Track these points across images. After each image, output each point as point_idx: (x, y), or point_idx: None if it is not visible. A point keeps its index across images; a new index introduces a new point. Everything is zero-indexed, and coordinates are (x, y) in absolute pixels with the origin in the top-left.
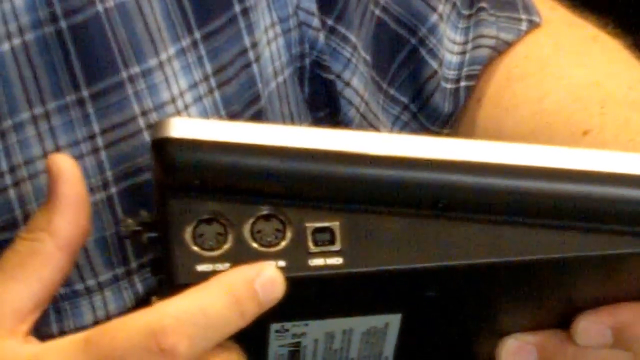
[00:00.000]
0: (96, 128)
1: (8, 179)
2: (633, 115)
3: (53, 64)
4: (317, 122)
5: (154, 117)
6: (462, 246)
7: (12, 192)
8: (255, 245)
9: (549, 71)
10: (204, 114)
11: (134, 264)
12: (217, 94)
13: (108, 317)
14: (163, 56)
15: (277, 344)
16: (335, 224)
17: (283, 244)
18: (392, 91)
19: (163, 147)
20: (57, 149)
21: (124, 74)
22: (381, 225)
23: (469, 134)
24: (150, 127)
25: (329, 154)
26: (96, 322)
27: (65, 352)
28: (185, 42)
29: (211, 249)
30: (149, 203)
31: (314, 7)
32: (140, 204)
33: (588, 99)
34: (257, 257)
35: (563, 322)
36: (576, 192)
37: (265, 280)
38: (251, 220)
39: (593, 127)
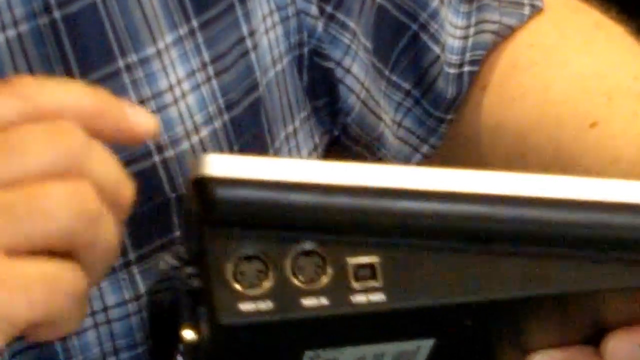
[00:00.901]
0: None
1: None
2: None
3: (47, 55)
4: (316, 110)
5: (151, 105)
6: (502, 279)
7: None
8: (296, 282)
9: (554, 60)
10: (202, 103)
11: (132, 255)
12: (214, 82)
13: (105, 309)
14: (160, 44)
15: None
16: (375, 260)
17: (324, 280)
18: (394, 77)
19: (203, 185)
20: None
21: (121, 63)
22: (421, 260)
23: (474, 121)
24: None
25: (368, 190)
26: (93, 313)
27: None
28: (183, 30)
29: (252, 287)
30: (148, 192)
31: None
32: (139, 194)
33: (594, 90)
34: (299, 294)
35: (591, 338)
36: (617, 224)
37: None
38: (291, 257)
39: (600, 119)
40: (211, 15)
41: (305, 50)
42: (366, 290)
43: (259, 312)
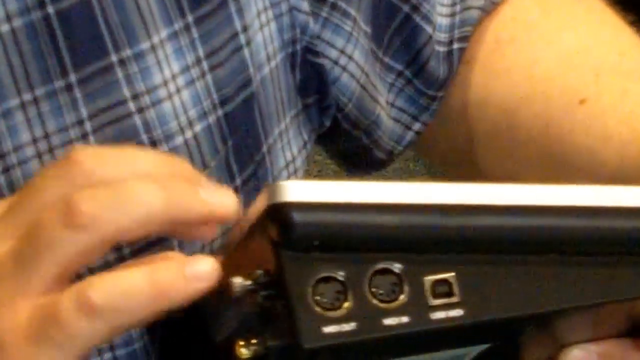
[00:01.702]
0: (84, 113)
1: None
2: (630, 86)
3: (41, 50)
4: (305, 108)
5: (145, 100)
6: (576, 288)
7: (1, 179)
8: (375, 301)
9: (538, 35)
10: (196, 97)
11: (126, 250)
12: (209, 78)
13: None
14: (155, 39)
15: None
16: (451, 275)
17: (402, 298)
18: (387, 59)
19: (281, 211)
20: (46, 135)
21: (114, 58)
22: (496, 273)
23: (460, 96)
24: (142, 110)
25: (441, 207)
26: None
27: None
28: (178, 25)
29: (333, 309)
30: None
31: None
32: None
33: (581, 66)
34: (379, 313)
35: (627, 331)
36: None
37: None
38: (368, 277)
39: (589, 96)
40: (206, 10)
41: (298, 47)
42: (444, 306)
43: (342, 334)
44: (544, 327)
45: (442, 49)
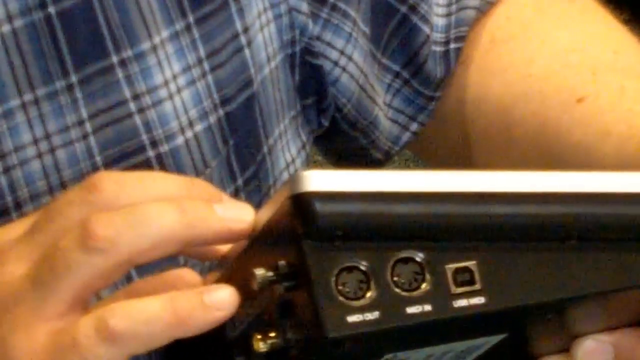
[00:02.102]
0: (85, 113)
1: None
2: (627, 83)
3: (42, 50)
4: (304, 109)
5: (146, 100)
6: (594, 275)
7: (2, 179)
8: (398, 290)
9: (533, 34)
10: (197, 98)
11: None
12: (210, 78)
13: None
14: (156, 39)
15: None
16: (473, 263)
17: (424, 286)
18: (384, 60)
19: (304, 201)
20: (47, 135)
21: (115, 58)
22: (517, 260)
23: (456, 95)
24: (143, 110)
25: (462, 196)
26: None
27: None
28: (179, 25)
29: (356, 298)
30: None
31: None
32: None
33: (578, 65)
34: (402, 302)
35: (639, 320)
36: None
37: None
38: (390, 265)
39: (587, 95)
40: (207, 10)
41: (297, 48)
42: (466, 294)
43: (365, 323)
44: (560, 317)
45: (439, 49)
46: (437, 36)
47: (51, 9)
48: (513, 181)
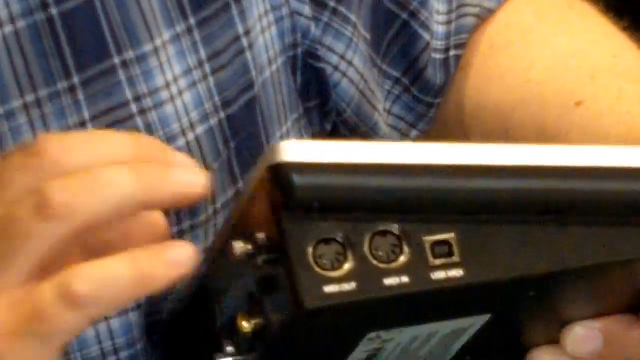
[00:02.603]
0: (87, 115)
1: None
2: (626, 86)
3: (44, 51)
4: (307, 112)
5: (147, 102)
6: (574, 250)
7: None
8: (376, 262)
9: (532, 39)
10: (198, 100)
11: None
12: (211, 80)
13: None
14: (158, 42)
15: (362, 349)
16: (451, 236)
17: (402, 259)
18: (384, 67)
19: (281, 172)
20: None
21: (117, 60)
22: (495, 235)
23: (455, 102)
24: (144, 112)
25: (441, 168)
26: None
27: None
28: (180, 27)
29: (333, 270)
30: None
31: None
32: None
33: (577, 69)
34: (380, 274)
35: (628, 307)
36: None
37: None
38: (368, 238)
39: (586, 98)
40: (208, 13)
41: (299, 51)
42: (445, 267)
43: (343, 294)
44: (545, 298)
45: (438, 56)
46: (438, 44)
47: (53, 11)
48: (493, 154)
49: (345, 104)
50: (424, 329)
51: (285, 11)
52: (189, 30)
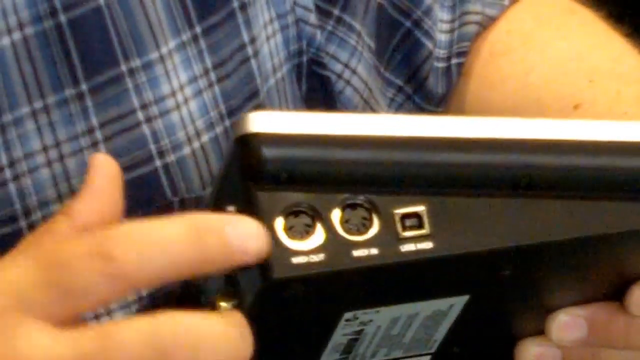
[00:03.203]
0: (95, 122)
1: (8, 173)
2: (623, 88)
3: (52, 58)
4: None
5: (153, 110)
6: (546, 224)
7: (11, 186)
8: (345, 234)
9: (532, 45)
10: (203, 108)
11: None
12: (216, 88)
13: (108, 313)
14: (164, 50)
15: (341, 332)
16: (421, 209)
17: (372, 231)
18: (387, 74)
19: (248, 142)
20: (57, 143)
21: (124, 67)
22: (466, 207)
23: (459, 110)
24: (150, 120)
25: (411, 140)
26: (96, 316)
27: (10, 255)
28: (186, 35)
29: (302, 241)
30: (149, 196)
31: (311, 3)
32: (141, 197)
33: (575, 72)
34: (349, 245)
35: (612, 295)
36: None
37: (239, 232)
38: (338, 210)
39: (584, 101)
40: (214, 21)
41: (305, 58)
42: (414, 239)
43: (311, 265)
44: (523, 280)
45: (441, 65)
46: (440, 52)
47: (62, 17)
48: (465, 127)
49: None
50: (401, 310)
51: (290, 19)
52: (195, 39)
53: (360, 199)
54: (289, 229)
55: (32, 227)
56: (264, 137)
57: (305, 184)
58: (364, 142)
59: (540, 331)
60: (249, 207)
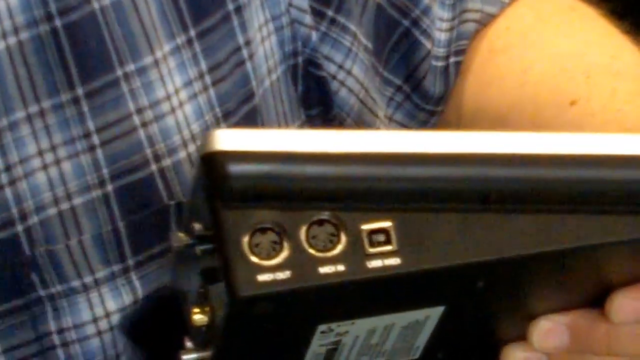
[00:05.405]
0: (91, 126)
1: (4, 178)
2: (619, 85)
3: (48, 62)
4: (310, 120)
5: (149, 114)
6: (513, 238)
7: (8, 191)
8: (312, 251)
9: (531, 42)
10: (199, 112)
11: (131, 261)
12: (211, 92)
13: (107, 315)
14: (158, 54)
15: (318, 343)
16: (389, 224)
17: (339, 247)
18: (385, 73)
19: (213, 160)
20: (53, 147)
21: (119, 72)
22: (434, 223)
23: (455, 106)
24: (146, 124)
25: (378, 157)
26: (95, 320)
27: None
28: (181, 39)
29: (269, 258)
30: (146, 200)
31: (306, 4)
32: (137, 201)
33: (573, 69)
34: (315, 262)
35: (594, 302)
36: (621, 177)
37: None
38: (305, 227)
39: (580, 97)
40: (208, 24)
41: (300, 59)
42: (381, 255)
43: (277, 282)
44: (498, 291)
45: (439, 63)
46: (439, 51)
47: (57, 22)
48: (430, 142)
49: (345, 113)
50: (377, 322)
51: (285, 20)
52: (189, 42)
53: (327, 215)
54: (255, 247)
55: (28, 231)
56: (230, 155)
57: (271, 200)
58: (330, 159)
59: (524, 336)
60: (215, 225)
